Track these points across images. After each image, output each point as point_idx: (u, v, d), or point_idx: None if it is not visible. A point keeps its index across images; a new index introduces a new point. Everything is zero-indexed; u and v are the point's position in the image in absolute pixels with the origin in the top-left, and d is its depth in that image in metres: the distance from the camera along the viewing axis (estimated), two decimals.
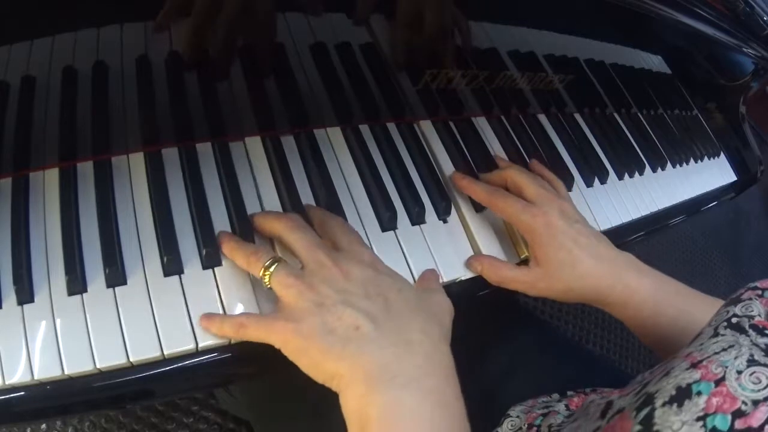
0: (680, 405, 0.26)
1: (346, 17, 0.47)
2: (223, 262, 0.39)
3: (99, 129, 0.40)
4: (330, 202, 0.44)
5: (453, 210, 0.50)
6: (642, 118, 0.78)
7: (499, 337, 0.60)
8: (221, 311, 0.38)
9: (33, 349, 0.34)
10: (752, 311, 0.32)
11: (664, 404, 0.27)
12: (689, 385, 0.27)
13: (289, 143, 0.47)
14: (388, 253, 0.45)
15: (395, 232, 0.47)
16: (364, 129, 0.51)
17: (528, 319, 0.67)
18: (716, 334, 0.31)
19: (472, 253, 0.49)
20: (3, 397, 0.33)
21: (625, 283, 0.45)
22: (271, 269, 0.36)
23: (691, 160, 0.81)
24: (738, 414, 0.24)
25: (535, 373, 0.56)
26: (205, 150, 0.44)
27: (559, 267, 0.45)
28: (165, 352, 0.35)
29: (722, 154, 0.90)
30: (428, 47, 0.51)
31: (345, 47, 0.49)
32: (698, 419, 0.25)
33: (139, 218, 0.39)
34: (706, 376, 0.27)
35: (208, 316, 0.37)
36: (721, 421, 0.24)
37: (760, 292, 0.33)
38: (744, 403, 0.25)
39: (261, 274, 0.37)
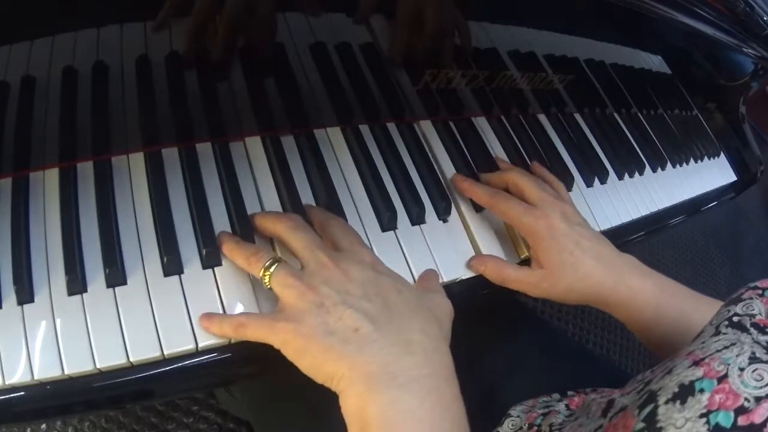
0: (683, 402, 0.26)
1: (346, 17, 0.47)
2: (223, 262, 0.39)
3: (99, 129, 0.40)
4: (330, 202, 0.44)
5: (453, 210, 0.50)
6: (642, 118, 0.78)
7: (499, 337, 0.60)
8: (221, 311, 0.38)
9: (33, 349, 0.34)
10: (753, 310, 0.32)
11: (667, 401, 0.27)
12: (692, 383, 0.27)
13: (289, 143, 0.47)
14: (388, 253, 0.45)
15: (395, 232, 0.47)
16: (364, 129, 0.51)
17: (528, 319, 0.67)
18: (718, 333, 0.31)
19: (472, 253, 0.49)
20: (3, 397, 0.33)
21: (627, 284, 0.46)
22: (271, 269, 0.36)
23: (691, 160, 0.81)
24: (741, 411, 0.24)
25: (535, 373, 0.56)
26: (205, 150, 0.44)
27: (562, 269, 0.45)
28: (165, 352, 0.35)
29: (722, 154, 0.90)
30: (428, 47, 0.51)
31: (345, 47, 0.49)
32: (701, 416, 0.25)
33: (139, 218, 0.39)
34: (709, 373, 0.27)
35: (208, 316, 0.37)
36: (724, 418, 0.25)
37: (760, 291, 0.34)
38: (746, 400, 0.25)
39: (261, 274, 0.37)
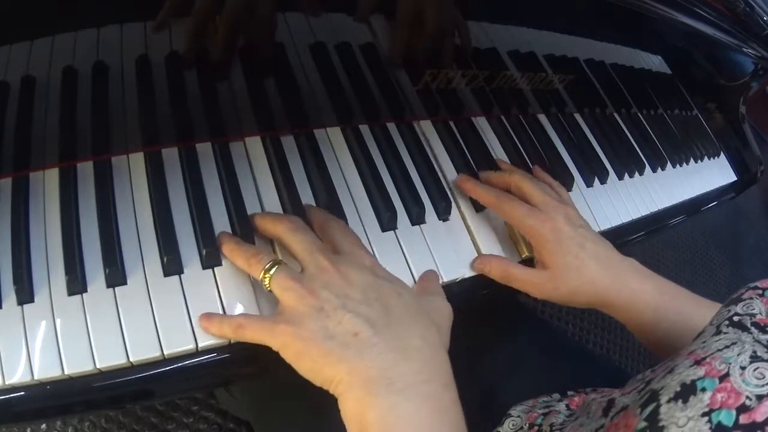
0: (685, 401, 0.26)
1: (346, 17, 0.47)
2: (223, 262, 0.39)
3: (99, 129, 0.40)
4: (330, 202, 0.44)
5: (453, 210, 0.50)
6: (642, 118, 0.78)
7: (499, 337, 0.60)
8: (221, 311, 0.38)
9: (33, 349, 0.34)
10: (753, 309, 0.32)
11: (669, 401, 0.27)
12: (694, 382, 0.27)
13: (289, 143, 0.47)
14: (388, 253, 0.45)
15: (395, 232, 0.47)
16: (364, 129, 0.51)
17: (528, 319, 0.67)
18: (719, 332, 0.31)
19: (472, 253, 0.49)
20: (3, 397, 0.33)
21: (629, 287, 0.46)
22: (272, 272, 0.36)
23: (691, 160, 0.81)
24: (742, 409, 0.25)
25: (535, 372, 0.56)
26: (205, 150, 0.44)
27: (567, 271, 0.46)
28: (165, 352, 0.35)
29: (722, 154, 0.90)
30: (428, 47, 0.51)
31: (345, 47, 0.49)
32: (703, 415, 0.25)
33: (139, 218, 0.39)
34: (710, 372, 0.27)
35: (208, 316, 0.37)
36: (726, 417, 0.25)
37: (760, 291, 0.34)
38: (748, 398, 0.25)
39: (261, 276, 0.37)
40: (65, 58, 0.38)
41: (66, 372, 0.33)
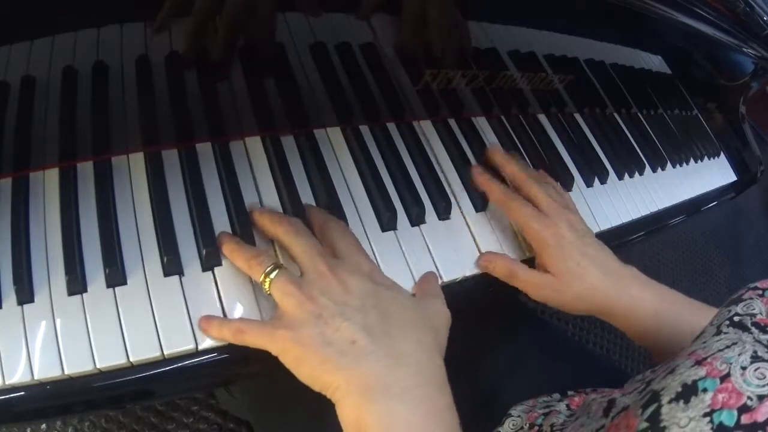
0: (687, 401, 0.26)
1: (346, 17, 0.47)
2: (223, 263, 0.39)
3: (99, 129, 0.40)
4: (330, 202, 0.44)
5: (453, 210, 0.50)
6: (642, 118, 0.78)
7: (499, 337, 0.60)
8: (221, 311, 0.38)
9: (33, 349, 0.34)
10: (754, 309, 0.32)
11: (670, 401, 0.27)
12: (695, 382, 0.27)
13: (289, 143, 0.47)
14: (388, 253, 0.45)
15: (395, 232, 0.47)
16: (364, 129, 0.51)
17: (528, 319, 0.67)
18: (719, 332, 0.31)
19: (473, 253, 0.49)
20: (3, 397, 0.33)
21: (629, 294, 0.47)
22: (272, 275, 0.37)
23: (691, 160, 0.81)
24: (744, 409, 0.25)
25: (535, 373, 0.56)
26: (205, 150, 0.44)
27: (569, 276, 0.46)
28: (165, 352, 0.35)
29: (722, 154, 0.90)
30: (429, 47, 0.51)
31: (345, 47, 0.49)
32: (705, 415, 0.25)
33: (139, 218, 0.39)
34: (711, 372, 0.27)
35: (208, 319, 0.37)
36: (727, 417, 0.25)
37: (760, 291, 0.34)
38: (749, 398, 0.25)
39: (261, 279, 0.37)
40: (65, 58, 0.38)
41: (66, 372, 0.33)
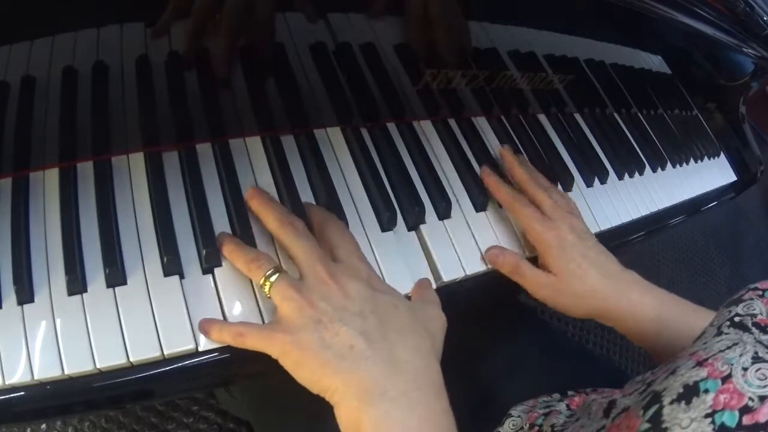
0: (688, 402, 0.26)
1: (346, 17, 0.47)
2: (223, 263, 0.39)
3: (99, 129, 0.40)
4: (330, 202, 0.44)
5: (453, 209, 0.50)
6: (642, 118, 0.78)
7: (499, 337, 0.60)
8: (221, 311, 0.38)
9: (33, 349, 0.33)
10: (754, 310, 0.32)
11: (672, 402, 0.27)
12: (696, 383, 0.27)
13: (289, 143, 0.47)
14: (388, 253, 0.45)
15: (395, 232, 0.47)
16: (364, 129, 0.51)
17: (528, 319, 0.67)
18: (720, 333, 0.31)
19: (473, 253, 0.49)
20: (3, 397, 0.33)
21: (629, 298, 0.47)
22: (272, 279, 0.37)
23: (691, 160, 0.81)
24: (745, 410, 0.25)
25: (535, 373, 0.57)
26: (204, 150, 0.44)
27: (569, 277, 0.47)
28: (165, 352, 0.35)
29: (722, 154, 0.90)
30: (429, 47, 0.51)
31: (345, 47, 0.49)
32: (707, 416, 0.25)
33: (139, 218, 0.39)
34: (713, 373, 0.27)
35: (208, 322, 0.37)
36: (729, 418, 0.25)
37: (760, 292, 0.34)
38: (751, 399, 0.25)
39: (261, 282, 0.37)
40: (65, 58, 0.38)
41: (66, 372, 0.33)
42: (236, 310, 0.38)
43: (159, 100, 0.41)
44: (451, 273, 0.47)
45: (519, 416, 0.49)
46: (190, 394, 0.80)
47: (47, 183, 0.39)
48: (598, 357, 0.71)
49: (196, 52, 0.41)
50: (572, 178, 0.59)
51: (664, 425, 0.27)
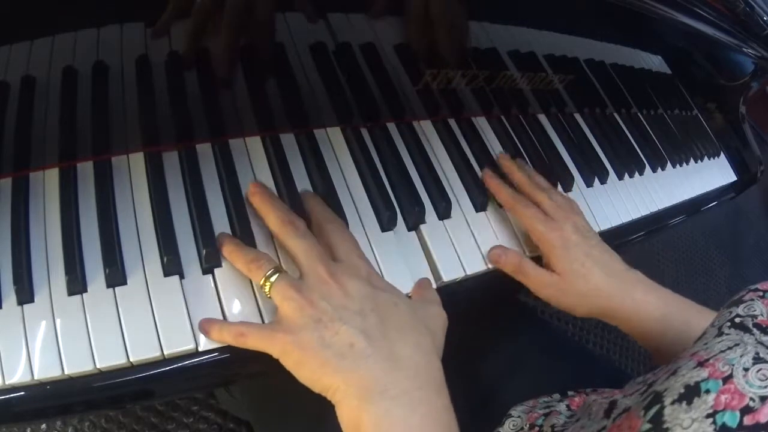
0: (689, 403, 0.27)
1: (346, 17, 0.47)
2: (223, 263, 0.39)
3: (99, 129, 0.40)
4: (330, 202, 0.44)
5: (453, 209, 0.50)
6: (642, 118, 0.78)
7: (499, 337, 0.60)
8: (221, 311, 0.38)
9: (33, 349, 0.33)
10: (755, 311, 0.32)
11: (673, 402, 0.27)
12: (697, 384, 0.27)
13: (289, 143, 0.47)
14: (388, 253, 0.45)
15: (395, 232, 0.47)
16: (364, 129, 0.51)
17: (528, 319, 0.67)
18: (720, 334, 0.31)
19: (473, 253, 0.49)
20: (3, 397, 0.33)
21: (633, 297, 0.47)
22: (272, 279, 0.37)
23: (691, 160, 0.81)
24: (746, 410, 0.25)
25: (535, 373, 0.57)
26: (204, 150, 0.44)
27: (573, 276, 0.47)
28: (165, 352, 0.35)
29: (722, 154, 0.90)
30: (429, 46, 0.51)
31: (345, 47, 0.49)
32: (708, 416, 0.25)
33: (139, 218, 0.39)
34: (714, 374, 0.27)
35: (208, 322, 0.37)
36: (730, 418, 0.25)
37: (761, 293, 0.34)
38: (752, 399, 0.25)
39: (261, 282, 0.37)
40: (65, 58, 0.38)
41: (66, 372, 0.33)
42: (236, 310, 0.38)
43: (159, 100, 0.41)
44: (451, 273, 0.47)
45: (519, 416, 0.49)
46: (190, 394, 0.80)
47: (47, 183, 0.39)
48: (598, 357, 0.71)
49: (196, 52, 0.41)
50: (572, 178, 0.59)
51: (665, 425, 0.27)
